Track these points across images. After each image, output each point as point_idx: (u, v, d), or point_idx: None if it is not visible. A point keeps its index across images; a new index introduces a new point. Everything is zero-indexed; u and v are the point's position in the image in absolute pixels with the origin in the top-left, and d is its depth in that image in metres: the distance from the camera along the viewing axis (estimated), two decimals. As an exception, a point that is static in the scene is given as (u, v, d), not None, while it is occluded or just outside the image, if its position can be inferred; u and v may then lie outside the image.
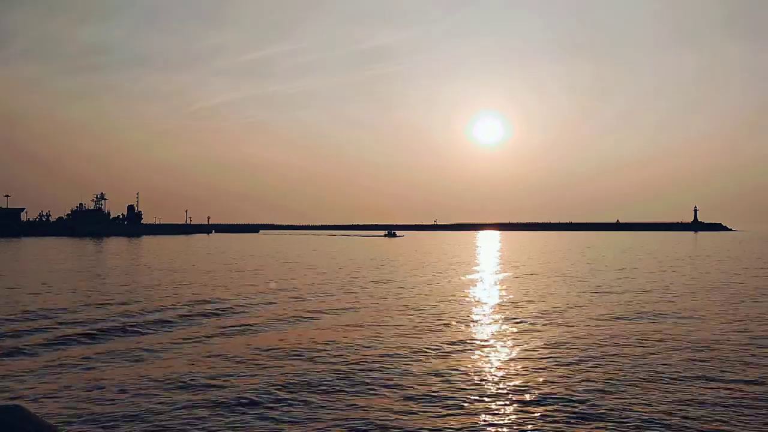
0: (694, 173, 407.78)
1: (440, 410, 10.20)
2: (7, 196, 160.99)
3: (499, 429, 9.37)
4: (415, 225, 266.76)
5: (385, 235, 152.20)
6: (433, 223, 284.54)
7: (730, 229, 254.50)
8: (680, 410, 10.10)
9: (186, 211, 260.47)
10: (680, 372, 12.53)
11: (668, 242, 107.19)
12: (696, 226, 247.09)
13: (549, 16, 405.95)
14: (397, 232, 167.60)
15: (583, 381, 11.86)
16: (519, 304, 23.63)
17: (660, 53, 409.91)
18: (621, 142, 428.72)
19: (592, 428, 9.30)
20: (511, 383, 11.86)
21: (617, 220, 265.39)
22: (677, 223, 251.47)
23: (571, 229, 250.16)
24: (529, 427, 9.43)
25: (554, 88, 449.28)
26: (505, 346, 15.55)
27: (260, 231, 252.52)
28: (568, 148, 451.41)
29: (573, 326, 18.30)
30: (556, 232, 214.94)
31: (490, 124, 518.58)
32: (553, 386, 11.50)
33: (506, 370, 12.93)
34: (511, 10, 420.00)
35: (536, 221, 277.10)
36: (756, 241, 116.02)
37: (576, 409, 10.13)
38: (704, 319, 19.79)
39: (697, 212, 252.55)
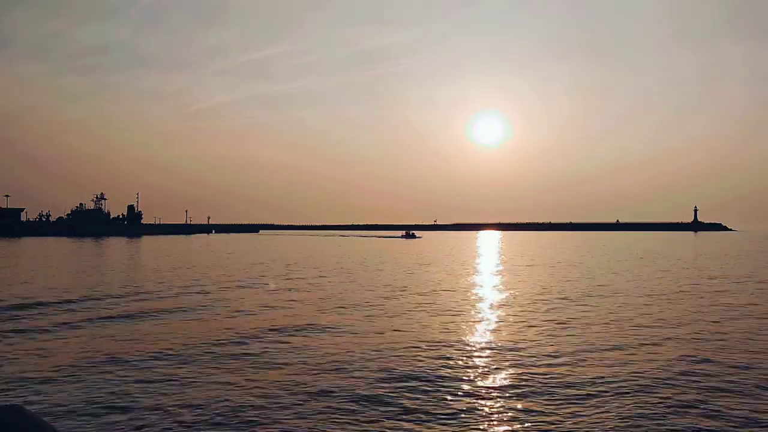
0: (694, 173, 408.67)
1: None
2: (7, 196, 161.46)
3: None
4: (415, 225, 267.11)
5: (402, 236, 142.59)
6: (433, 223, 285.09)
7: (730, 229, 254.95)
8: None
9: (186, 211, 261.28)
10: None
11: (667, 242, 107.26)
12: (696, 226, 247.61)
13: (549, 16, 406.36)
14: (416, 233, 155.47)
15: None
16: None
17: (660, 53, 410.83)
18: (621, 142, 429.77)
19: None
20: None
21: (617, 220, 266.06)
22: (677, 223, 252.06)
23: (571, 229, 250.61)
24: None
25: (554, 88, 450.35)
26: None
27: (260, 231, 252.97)
28: (568, 148, 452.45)
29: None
30: (557, 233, 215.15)
31: (490, 124, 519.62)
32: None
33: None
34: (511, 10, 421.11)
35: (536, 221, 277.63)
36: (756, 240, 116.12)
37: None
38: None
39: (697, 212, 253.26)
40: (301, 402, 10.53)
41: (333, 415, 9.83)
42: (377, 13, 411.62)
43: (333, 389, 11.26)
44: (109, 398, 10.71)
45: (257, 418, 9.69)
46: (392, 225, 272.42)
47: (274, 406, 10.32)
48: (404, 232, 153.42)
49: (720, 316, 20.18)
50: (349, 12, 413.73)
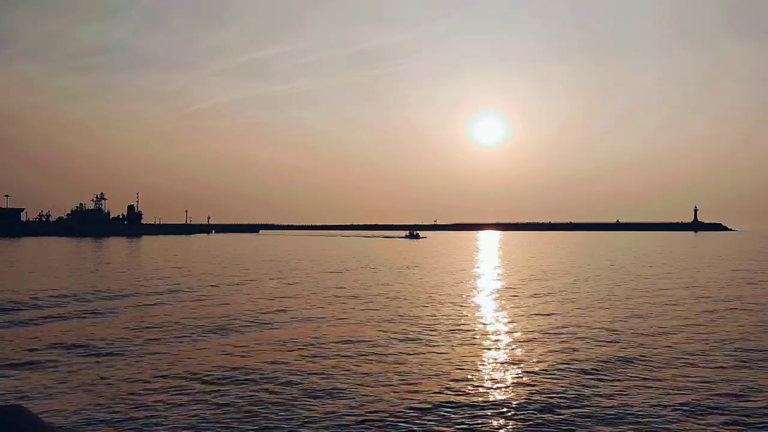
0: (694, 173, 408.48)
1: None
2: (7, 196, 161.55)
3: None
4: (415, 225, 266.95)
5: (405, 236, 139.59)
6: (433, 223, 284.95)
7: (730, 229, 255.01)
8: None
9: (186, 211, 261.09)
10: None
11: (667, 242, 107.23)
12: (696, 226, 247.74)
13: (549, 16, 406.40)
14: (420, 233, 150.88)
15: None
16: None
17: (660, 53, 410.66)
18: (621, 142, 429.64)
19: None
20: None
21: (617, 220, 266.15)
22: (677, 223, 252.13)
23: (571, 229, 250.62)
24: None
25: (555, 88, 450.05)
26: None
27: (260, 231, 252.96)
28: (568, 148, 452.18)
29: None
30: (557, 233, 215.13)
31: (490, 124, 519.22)
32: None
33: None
34: (511, 10, 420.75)
35: (537, 221, 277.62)
36: (757, 240, 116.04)
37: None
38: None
39: (697, 212, 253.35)
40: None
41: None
42: (377, 13, 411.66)
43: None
44: (107, 396, 10.75)
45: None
46: (392, 225, 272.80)
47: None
48: (408, 232, 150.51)
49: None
50: (349, 12, 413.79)
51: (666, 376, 12.27)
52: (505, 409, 10.20)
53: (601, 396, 10.87)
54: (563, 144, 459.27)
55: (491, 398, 10.86)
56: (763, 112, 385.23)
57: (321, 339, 16.27)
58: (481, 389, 11.40)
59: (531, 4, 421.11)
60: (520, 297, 26.06)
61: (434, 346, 15.41)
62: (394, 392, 11.16)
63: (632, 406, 10.23)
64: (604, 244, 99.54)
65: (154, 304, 23.47)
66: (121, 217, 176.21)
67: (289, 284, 31.81)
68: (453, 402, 10.57)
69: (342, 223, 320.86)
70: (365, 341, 15.92)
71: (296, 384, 11.69)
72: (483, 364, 13.46)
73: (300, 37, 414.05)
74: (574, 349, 14.77)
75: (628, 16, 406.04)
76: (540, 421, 9.61)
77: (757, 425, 9.37)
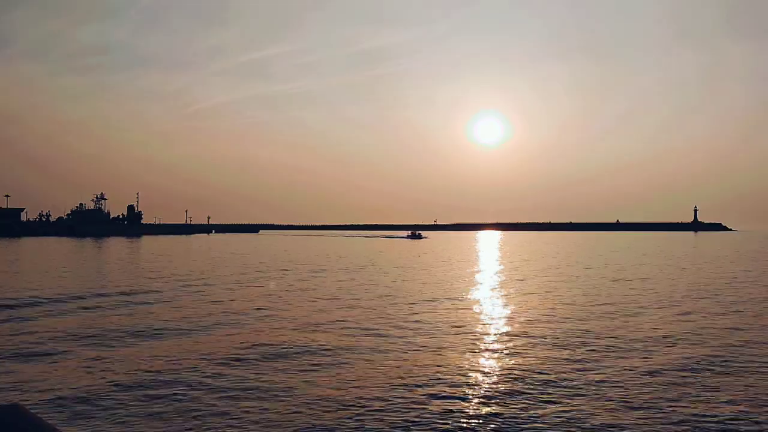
0: (694, 173, 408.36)
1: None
2: (7, 196, 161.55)
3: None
4: (415, 225, 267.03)
5: (407, 236, 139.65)
6: (433, 223, 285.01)
7: (730, 229, 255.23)
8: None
9: (186, 211, 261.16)
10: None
11: (667, 242, 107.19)
12: (696, 226, 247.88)
13: (549, 16, 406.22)
14: (422, 233, 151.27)
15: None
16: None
17: (660, 53, 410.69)
18: (621, 142, 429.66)
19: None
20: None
21: (617, 221, 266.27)
22: (677, 223, 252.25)
23: (571, 229, 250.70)
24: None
25: (554, 88, 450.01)
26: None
27: (260, 231, 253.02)
28: (568, 148, 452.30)
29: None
30: (557, 233, 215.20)
31: (490, 124, 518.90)
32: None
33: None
34: (511, 10, 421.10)
35: (537, 221, 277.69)
36: (757, 240, 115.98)
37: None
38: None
39: (697, 212, 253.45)
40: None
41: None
42: (377, 13, 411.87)
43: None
44: (106, 395, 10.75)
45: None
46: (393, 225, 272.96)
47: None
48: (410, 232, 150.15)
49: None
50: (349, 12, 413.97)
51: (664, 376, 12.28)
52: (489, 416, 10.20)
53: (597, 398, 10.87)
54: (563, 144, 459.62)
55: (479, 398, 10.87)
56: (763, 112, 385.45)
57: (317, 339, 16.28)
58: (469, 389, 11.41)
59: (531, 4, 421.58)
60: (518, 296, 26.06)
61: (428, 346, 15.42)
62: (390, 392, 11.17)
63: (629, 408, 10.25)
64: (604, 245, 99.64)
65: (153, 304, 23.48)
66: (121, 217, 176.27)
67: (290, 284, 31.83)
68: (443, 401, 10.58)
69: (342, 223, 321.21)
70: (362, 341, 15.93)
71: (290, 385, 11.71)
72: (477, 365, 13.47)
73: (300, 37, 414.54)
74: (570, 350, 14.78)
75: (628, 16, 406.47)
76: (533, 422, 9.62)
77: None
